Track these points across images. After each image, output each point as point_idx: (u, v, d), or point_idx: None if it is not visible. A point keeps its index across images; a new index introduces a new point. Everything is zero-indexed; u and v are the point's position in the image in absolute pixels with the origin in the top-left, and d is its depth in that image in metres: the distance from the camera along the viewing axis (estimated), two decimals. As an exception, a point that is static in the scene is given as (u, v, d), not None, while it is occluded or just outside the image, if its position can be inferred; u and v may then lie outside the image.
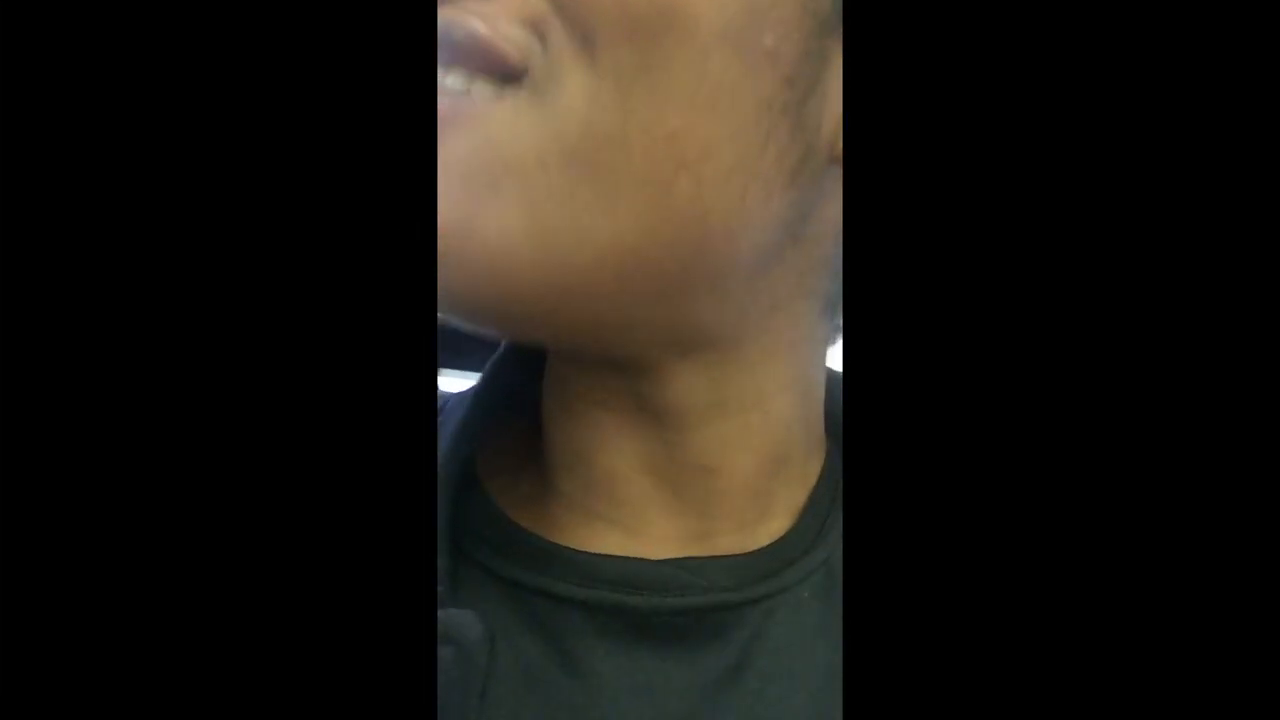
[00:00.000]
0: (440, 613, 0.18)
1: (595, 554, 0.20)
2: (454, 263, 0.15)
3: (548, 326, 0.18)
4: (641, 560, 0.20)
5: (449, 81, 0.16)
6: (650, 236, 0.16)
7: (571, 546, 0.20)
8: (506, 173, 0.15)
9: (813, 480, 0.22)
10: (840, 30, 0.17)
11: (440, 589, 0.18)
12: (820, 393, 0.23)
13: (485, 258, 0.16)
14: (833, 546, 0.21)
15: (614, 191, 0.16)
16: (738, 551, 0.20)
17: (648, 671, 0.19)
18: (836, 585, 0.21)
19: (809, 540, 0.21)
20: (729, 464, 0.20)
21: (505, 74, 0.15)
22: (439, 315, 0.15)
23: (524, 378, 0.23)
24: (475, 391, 0.23)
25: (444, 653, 0.17)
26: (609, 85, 0.15)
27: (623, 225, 0.16)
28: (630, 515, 0.21)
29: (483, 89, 0.15)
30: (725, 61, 0.15)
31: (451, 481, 0.20)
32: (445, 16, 0.15)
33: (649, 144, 0.16)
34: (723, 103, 0.16)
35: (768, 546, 0.21)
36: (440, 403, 0.24)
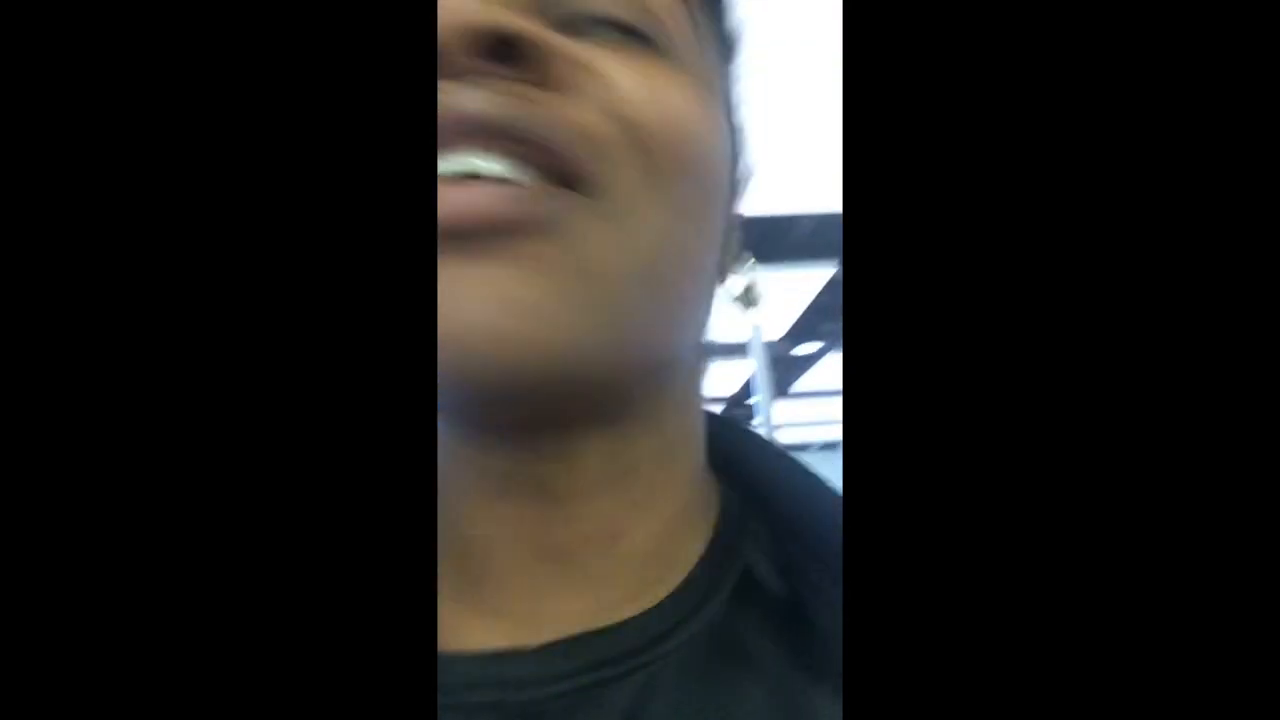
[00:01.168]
0: None
1: (478, 654, 0.20)
2: (513, 343, 0.16)
3: (545, 408, 0.18)
4: (523, 653, 0.20)
5: (495, 167, 0.16)
6: (664, 340, 0.19)
7: (456, 649, 0.20)
8: (589, 274, 0.17)
9: (712, 525, 0.23)
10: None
11: None
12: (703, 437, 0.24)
13: (550, 347, 0.16)
14: (734, 586, 0.21)
15: (664, 306, 0.18)
16: (636, 614, 0.20)
17: None
18: (732, 635, 0.21)
19: (703, 591, 0.21)
20: (633, 527, 0.21)
21: (567, 179, 0.17)
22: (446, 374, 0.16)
23: None
24: None
25: None
26: (673, 217, 0.18)
27: (659, 333, 0.19)
28: (522, 602, 0.20)
29: (560, 194, 0.16)
30: (716, 208, 0.20)
31: None
32: (505, 104, 0.16)
33: (690, 269, 0.19)
34: (714, 238, 0.20)
35: (658, 606, 0.21)
36: None
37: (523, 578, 0.20)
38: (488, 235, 0.16)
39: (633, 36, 0.18)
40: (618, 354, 0.18)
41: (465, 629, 0.20)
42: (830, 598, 0.21)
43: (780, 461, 0.25)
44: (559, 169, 0.17)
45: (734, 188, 0.22)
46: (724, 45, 0.23)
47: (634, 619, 0.20)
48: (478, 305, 0.16)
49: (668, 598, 0.21)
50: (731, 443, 0.25)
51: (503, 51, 0.16)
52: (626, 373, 0.19)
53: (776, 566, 0.22)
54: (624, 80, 0.17)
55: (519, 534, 0.20)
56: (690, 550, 0.22)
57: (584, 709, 0.19)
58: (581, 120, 0.17)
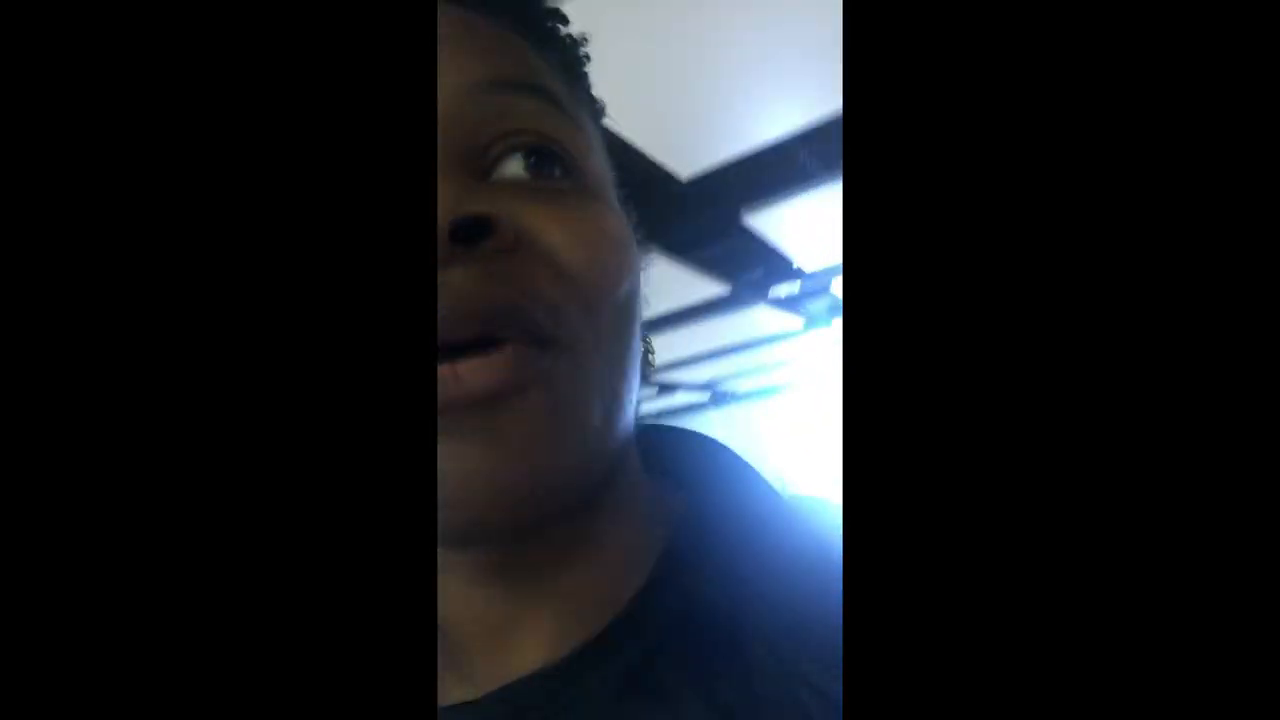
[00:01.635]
0: None
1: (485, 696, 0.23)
2: (512, 490, 0.19)
3: (525, 529, 0.21)
4: (464, 706, 0.23)
5: (468, 341, 0.19)
6: (618, 438, 0.22)
7: (464, 700, 0.23)
8: (576, 421, 0.20)
9: (653, 564, 0.24)
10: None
11: None
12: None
13: (541, 487, 0.19)
14: (662, 627, 0.23)
15: (617, 415, 0.22)
16: (550, 664, 0.23)
17: None
18: (651, 678, 0.22)
19: (623, 635, 0.23)
20: (582, 581, 0.23)
21: (541, 342, 0.20)
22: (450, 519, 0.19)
23: None
24: None
25: None
26: (616, 342, 0.22)
27: (614, 437, 0.22)
28: (486, 666, 0.23)
29: (542, 355, 0.19)
30: (638, 309, 0.23)
31: None
32: (493, 293, 0.19)
33: (630, 374, 0.23)
34: (638, 332, 0.24)
35: (571, 654, 0.22)
36: None
37: (488, 644, 0.23)
38: (491, 401, 0.19)
39: (545, 171, 0.22)
40: (587, 470, 0.21)
41: (445, 692, 0.23)
42: (771, 625, 0.22)
43: (733, 472, 0.27)
44: (538, 337, 0.19)
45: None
46: (594, 109, 0.27)
47: (543, 669, 0.22)
48: (479, 459, 0.18)
49: (581, 646, 0.23)
50: (684, 454, 0.28)
51: (473, 230, 0.19)
52: (592, 479, 0.22)
53: (720, 593, 0.23)
54: (556, 234, 0.21)
55: (486, 614, 0.23)
56: (629, 592, 0.24)
57: None
58: (544, 292, 0.20)
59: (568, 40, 0.26)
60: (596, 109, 0.27)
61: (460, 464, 0.18)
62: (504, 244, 0.19)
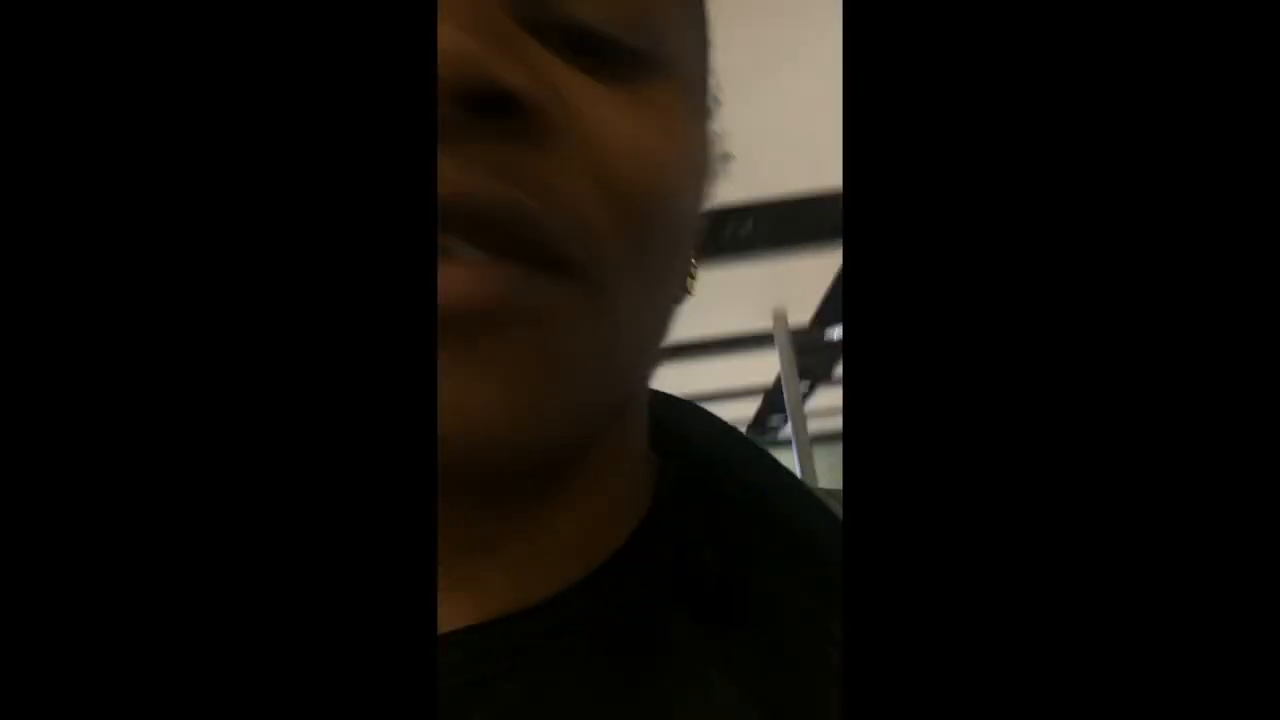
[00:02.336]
0: None
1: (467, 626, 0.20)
2: (501, 430, 0.16)
3: (503, 475, 0.18)
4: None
5: (479, 254, 0.15)
6: (627, 388, 0.20)
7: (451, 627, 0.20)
8: (572, 365, 0.16)
9: (640, 515, 0.22)
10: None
11: None
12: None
13: (522, 437, 0.16)
14: (652, 577, 0.20)
15: (633, 365, 0.19)
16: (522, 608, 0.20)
17: None
18: (646, 627, 0.20)
19: (610, 584, 0.20)
20: (558, 522, 0.20)
21: (552, 264, 0.16)
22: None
23: None
24: None
25: None
26: (650, 280, 0.18)
27: (623, 388, 0.19)
28: (445, 592, 0.20)
29: (542, 282, 0.16)
30: (688, 245, 0.19)
31: None
32: (492, 191, 0.15)
33: (659, 318, 0.19)
34: (682, 271, 0.20)
35: (552, 599, 0.20)
36: None
37: (446, 569, 0.19)
38: (465, 321, 0.15)
39: (626, 54, 0.17)
40: (585, 424, 0.18)
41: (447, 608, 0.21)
42: (770, 579, 0.20)
43: (726, 438, 0.24)
44: (545, 256, 0.16)
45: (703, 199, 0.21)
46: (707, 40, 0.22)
47: (519, 613, 0.19)
48: (452, 390, 0.15)
49: (563, 591, 0.20)
50: (676, 421, 0.25)
51: (491, 104, 0.15)
52: (590, 432, 0.19)
53: (715, 551, 0.21)
54: (610, 131, 0.16)
55: (447, 531, 0.18)
56: (615, 542, 0.21)
57: (474, 703, 0.18)
58: (568, 197, 0.16)
59: None
60: None
61: (461, 375, 0.15)
62: (532, 129, 0.15)
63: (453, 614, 0.19)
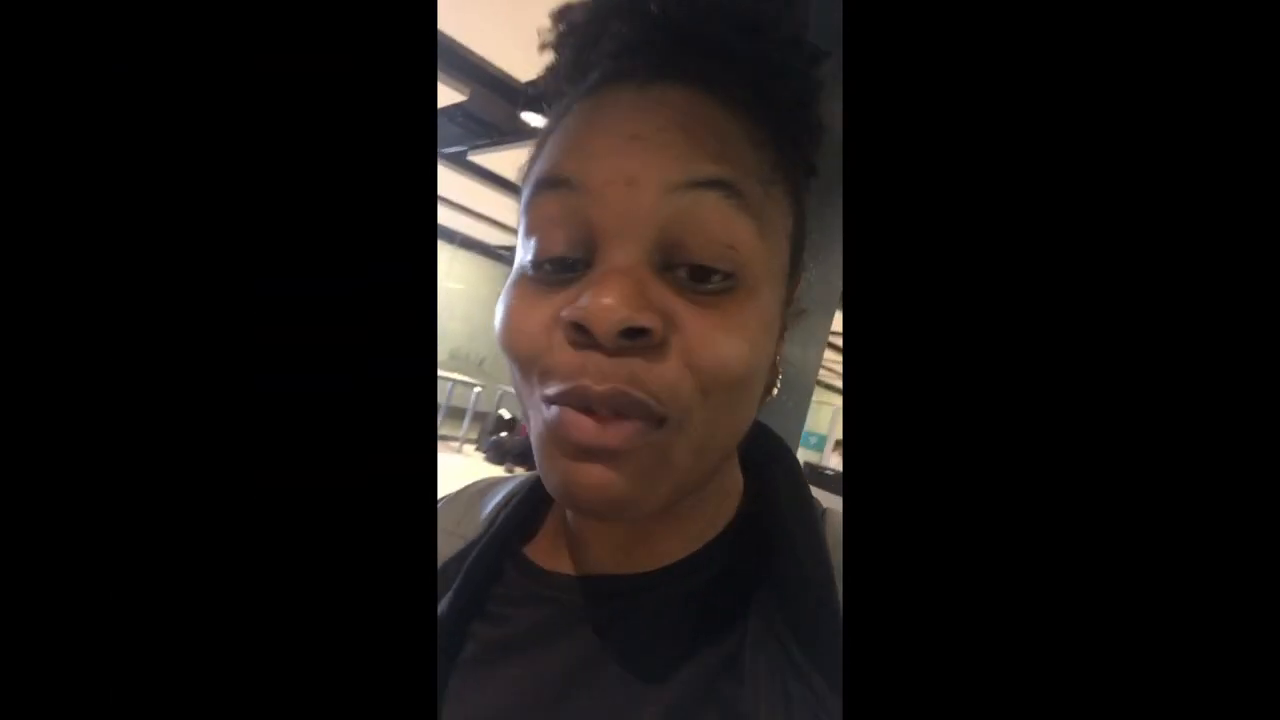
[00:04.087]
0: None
1: (553, 572, 0.35)
2: (616, 506, 0.27)
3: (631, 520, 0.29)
4: (568, 578, 0.35)
5: (616, 403, 0.26)
6: (722, 461, 0.31)
7: (565, 572, 0.35)
8: (667, 470, 0.28)
9: (729, 520, 0.34)
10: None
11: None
12: None
13: (635, 506, 0.27)
14: (723, 569, 0.33)
15: (713, 460, 0.30)
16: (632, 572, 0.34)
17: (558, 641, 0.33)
18: (713, 604, 0.32)
19: (695, 567, 0.33)
20: (668, 531, 0.33)
21: (660, 421, 0.27)
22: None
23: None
24: (520, 496, 0.40)
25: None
26: (719, 423, 0.28)
27: (714, 463, 0.30)
28: (594, 559, 0.35)
29: (652, 432, 0.26)
30: (763, 378, 0.30)
31: (496, 544, 0.37)
32: (619, 349, 0.26)
33: (733, 431, 0.30)
34: (760, 392, 0.30)
35: (654, 571, 0.33)
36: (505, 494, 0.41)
37: (597, 546, 0.34)
38: (603, 452, 0.26)
39: (705, 280, 0.27)
40: (679, 496, 0.29)
41: (562, 559, 0.35)
42: (799, 569, 0.31)
43: (787, 467, 0.35)
44: (653, 416, 0.26)
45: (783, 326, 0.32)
46: (802, 167, 0.32)
47: (629, 575, 0.33)
48: (591, 477, 0.26)
49: (661, 568, 0.33)
50: (759, 450, 0.36)
51: (634, 333, 0.25)
52: (684, 497, 0.30)
53: (774, 560, 0.32)
54: (700, 338, 0.26)
55: (598, 533, 0.34)
56: (705, 535, 0.33)
57: (567, 628, 0.32)
58: (670, 380, 0.26)
59: (798, 109, 0.31)
60: (805, 167, 0.33)
61: (586, 479, 0.26)
62: (652, 344, 0.26)
63: (590, 565, 0.34)
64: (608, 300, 0.25)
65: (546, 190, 0.28)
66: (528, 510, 0.39)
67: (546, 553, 0.36)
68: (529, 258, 0.28)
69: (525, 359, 0.28)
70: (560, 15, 0.31)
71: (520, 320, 0.28)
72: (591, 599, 0.33)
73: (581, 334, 0.26)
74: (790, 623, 0.29)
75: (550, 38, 0.31)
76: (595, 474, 0.26)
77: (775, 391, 0.33)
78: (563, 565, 0.35)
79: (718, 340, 0.27)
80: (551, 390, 0.26)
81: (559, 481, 0.27)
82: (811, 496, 0.35)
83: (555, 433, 0.27)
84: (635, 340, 0.25)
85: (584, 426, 0.26)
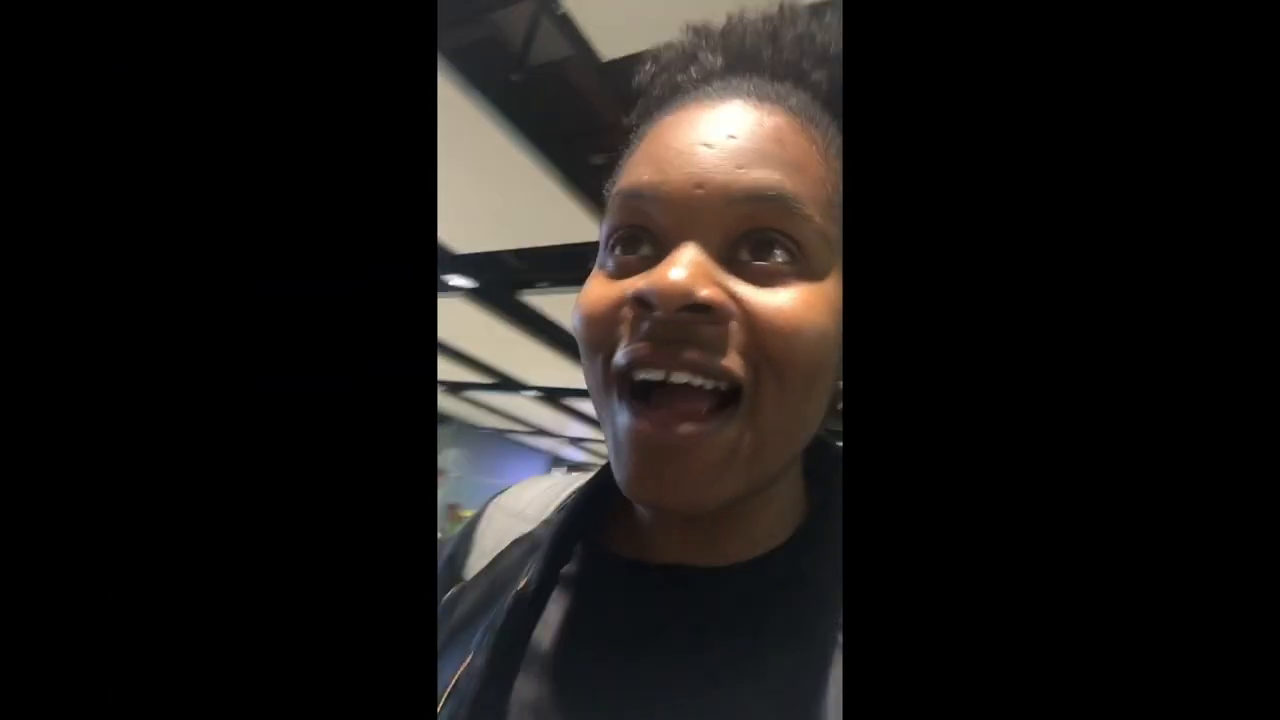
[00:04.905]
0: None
1: (653, 564, 0.35)
2: (686, 499, 0.28)
3: (699, 513, 0.30)
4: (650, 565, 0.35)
5: (678, 378, 0.27)
6: (781, 463, 0.31)
7: (638, 560, 0.35)
8: (734, 460, 0.28)
9: (792, 530, 0.35)
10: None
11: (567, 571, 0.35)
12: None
13: (704, 499, 0.28)
14: (785, 575, 0.33)
15: (785, 450, 0.30)
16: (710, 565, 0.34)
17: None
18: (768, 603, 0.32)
19: (771, 567, 0.33)
20: (737, 529, 0.33)
21: (729, 387, 0.28)
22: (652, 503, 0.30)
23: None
24: (593, 485, 0.39)
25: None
26: (787, 407, 0.28)
27: (782, 462, 0.31)
28: (668, 548, 0.34)
29: (721, 415, 0.28)
30: (830, 370, 0.29)
31: (574, 533, 0.37)
32: (682, 329, 0.27)
33: (804, 419, 0.30)
34: (829, 391, 0.30)
35: (726, 566, 0.33)
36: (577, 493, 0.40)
37: (671, 542, 0.34)
38: (670, 450, 0.27)
39: (785, 254, 0.28)
40: (748, 487, 0.29)
41: (635, 548, 0.35)
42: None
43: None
44: (720, 394, 0.27)
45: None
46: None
47: (693, 567, 0.33)
48: (657, 475, 0.28)
49: (726, 566, 0.33)
50: (821, 458, 0.37)
51: (697, 308, 0.27)
52: (750, 494, 0.30)
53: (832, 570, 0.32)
54: (761, 312, 0.27)
55: (664, 525, 0.34)
56: (771, 541, 0.34)
57: (648, 599, 0.33)
58: (734, 356, 0.27)
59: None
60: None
61: (652, 476, 0.28)
62: (717, 319, 0.27)
63: (670, 554, 0.34)
64: (672, 276, 0.26)
65: (623, 198, 0.30)
66: (602, 497, 0.39)
67: (618, 540, 0.36)
68: (604, 254, 0.31)
69: (595, 341, 0.29)
70: (654, 57, 0.36)
71: (591, 304, 0.30)
72: (654, 585, 0.33)
73: (646, 309, 0.27)
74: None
75: (644, 77, 0.36)
76: (662, 471, 0.27)
77: (841, 405, 0.34)
78: (630, 552, 0.35)
79: (781, 313, 0.27)
80: (619, 364, 0.28)
81: (625, 477, 0.28)
82: None
83: (625, 431, 0.28)
84: (698, 315, 0.27)
85: (652, 423, 0.27)
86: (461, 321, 3.11)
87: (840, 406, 0.33)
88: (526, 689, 0.32)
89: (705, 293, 0.26)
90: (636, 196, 0.29)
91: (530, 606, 0.34)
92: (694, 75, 0.34)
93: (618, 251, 0.30)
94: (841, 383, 0.32)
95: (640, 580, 0.34)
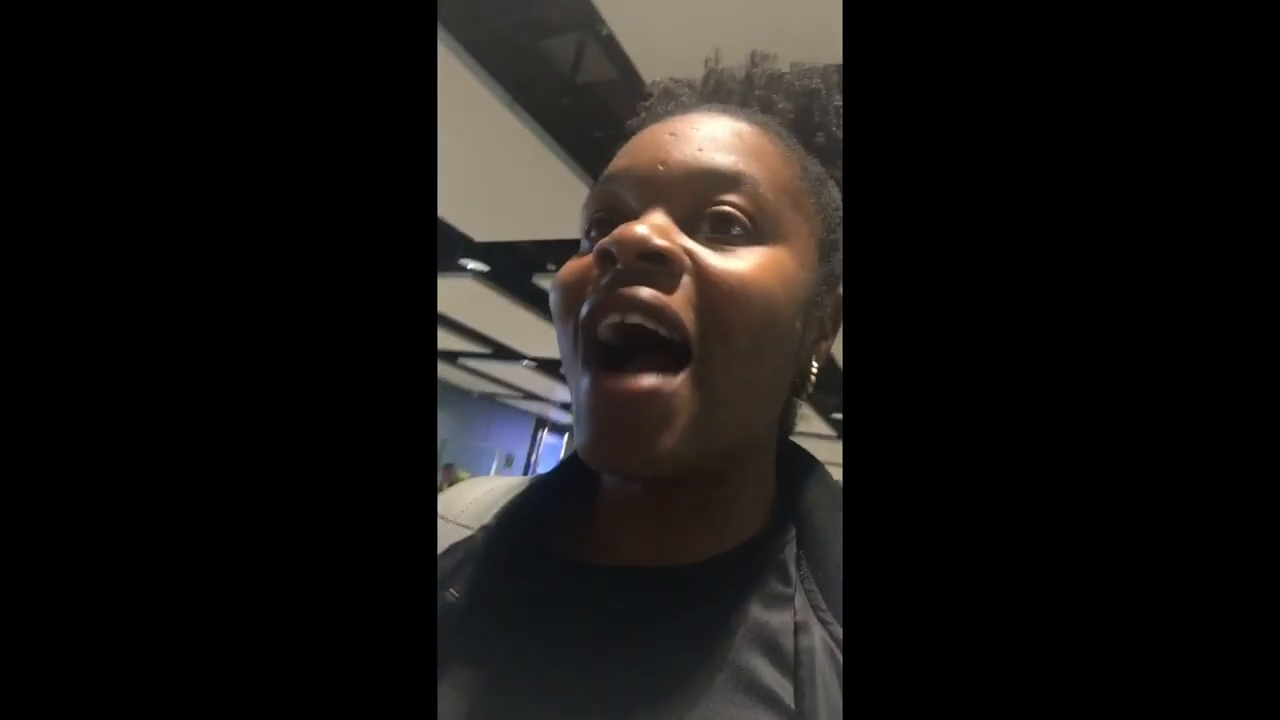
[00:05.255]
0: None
1: (609, 566, 0.34)
2: (638, 456, 0.29)
3: (671, 474, 0.31)
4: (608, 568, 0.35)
5: (632, 319, 0.29)
6: (737, 440, 0.32)
7: (592, 562, 0.35)
8: (684, 418, 0.29)
9: (758, 528, 0.35)
10: (817, 311, 0.34)
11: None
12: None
13: (656, 457, 0.29)
14: (754, 576, 0.33)
15: (736, 426, 0.31)
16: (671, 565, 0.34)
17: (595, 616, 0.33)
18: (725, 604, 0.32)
19: (732, 565, 0.33)
20: (700, 521, 0.34)
21: (676, 356, 0.29)
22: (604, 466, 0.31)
23: (578, 474, 0.39)
24: (548, 479, 0.40)
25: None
26: (739, 376, 0.30)
27: (733, 431, 0.31)
28: (625, 548, 0.35)
29: (674, 379, 0.29)
30: (787, 345, 0.32)
31: (523, 527, 0.37)
32: (632, 286, 0.29)
33: (761, 393, 0.32)
34: (785, 364, 0.32)
35: (702, 561, 0.33)
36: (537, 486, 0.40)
37: (633, 537, 0.34)
38: (628, 403, 0.29)
39: (740, 227, 0.31)
40: (700, 456, 0.30)
41: (588, 550, 0.35)
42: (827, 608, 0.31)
43: (822, 490, 0.37)
44: (672, 354, 0.29)
45: (818, 305, 0.34)
46: (822, 158, 0.36)
47: (658, 568, 0.33)
48: (619, 430, 0.29)
49: (691, 564, 0.33)
50: (794, 468, 0.37)
51: (651, 257, 0.29)
52: (709, 460, 0.31)
53: (796, 571, 0.33)
54: (714, 270, 0.29)
55: (630, 514, 0.35)
56: (737, 537, 0.34)
57: (586, 617, 0.33)
58: (687, 308, 0.29)
59: (828, 119, 0.37)
60: (827, 155, 0.37)
61: (609, 427, 0.29)
62: (671, 270, 0.29)
63: (625, 557, 0.34)
64: (634, 228, 0.29)
65: (599, 186, 0.33)
66: (548, 499, 0.39)
67: (566, 543, 0.36)
68: (583, 241, 0.34)
69: (565, 305, 0.31)
70: (657, 85, 0.40)
71: (563, 273, 0.32)
72: (607, 587, 0.34)
73: (608, 262, 0.29)
74: (822, 627, 0.31)
75: (646, 104, 0.40)
76: (618, 429, 0.29)
77: (810, 388, 0.35)
78: (581, 554, 0.35)
79: (731, 273, 0.29)
80: (583, 316, 0.30)
81: (586, 440, 0.29)
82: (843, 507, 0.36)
83: (587, 391, 0.30)
84: (654, 265, 0.29)
85: (611, 380, 0.29)
86: (476, 302, 3.24)
87: (809, 390, 0.35)
88: (468, 698, 0.31)
89: (661, 242, 0.29)
90: (609, 180, 0.32)
91: (468, 613, 0.33)
92: (672, 109, 0.38)
93: (593, 234, 0.33)
94: (814, 367, 0.35)
95: (593, 582, 0.34)
